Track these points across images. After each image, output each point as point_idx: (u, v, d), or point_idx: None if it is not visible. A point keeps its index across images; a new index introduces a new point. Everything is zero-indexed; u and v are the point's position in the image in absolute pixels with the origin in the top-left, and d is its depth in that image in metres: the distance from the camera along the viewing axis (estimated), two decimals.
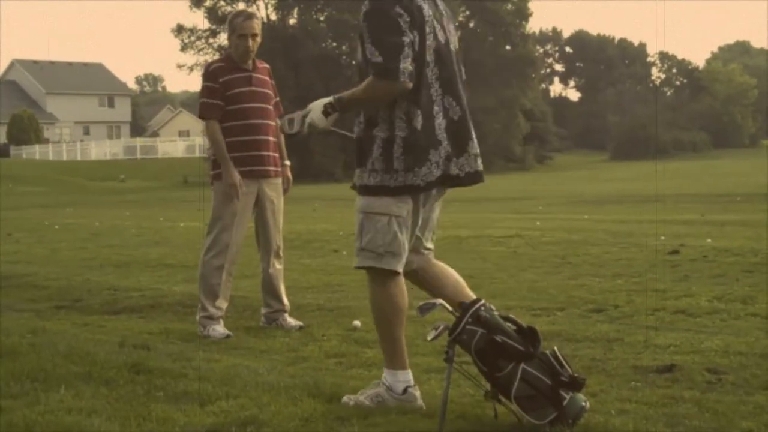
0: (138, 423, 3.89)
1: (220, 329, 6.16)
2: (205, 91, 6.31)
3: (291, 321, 6.41)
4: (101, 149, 72.15)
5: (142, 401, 4.23)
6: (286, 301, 6.51)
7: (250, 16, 6.37)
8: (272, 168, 6.42)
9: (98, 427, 3.82)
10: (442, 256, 10.71)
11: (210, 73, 6.33)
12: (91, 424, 3.85)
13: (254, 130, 6.30)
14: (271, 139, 6.40)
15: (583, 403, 3.76)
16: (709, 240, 11.37)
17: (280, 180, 6.51)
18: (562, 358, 3.82)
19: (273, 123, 6.38)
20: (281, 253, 6.57)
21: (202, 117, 6.35)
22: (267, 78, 6.48)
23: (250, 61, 6.37)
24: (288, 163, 6.61)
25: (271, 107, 6.45)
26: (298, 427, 3.83)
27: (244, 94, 6.29)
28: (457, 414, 3.90)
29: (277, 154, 6.47)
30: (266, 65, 6.57)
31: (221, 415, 4.00)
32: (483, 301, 3.88)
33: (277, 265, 6.51)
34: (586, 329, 5.87)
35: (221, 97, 6.25)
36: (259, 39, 6.35)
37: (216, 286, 6.26)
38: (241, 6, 65.28)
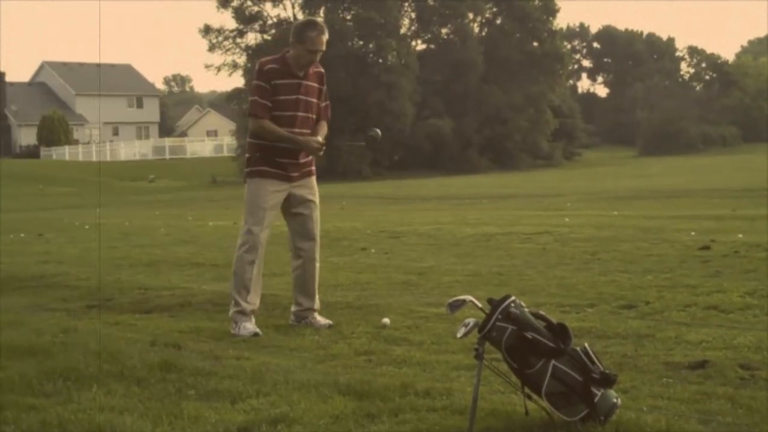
0: (170, 421, 3.92)
1: (250, 326, 6.18)
2: (257, 90, 6.31)
3: (320, 319, 6.42)
4: (130, 150, 72.75)
5: (173, 399, 4.26)
6: (317, 299, 6.53)
7: (323, 31, 6.30)
8: (302, 172, 6.45)
9: (130, 426, 3.85)
10: (472, 253, 10.77)
11: (264, 74, 6.32)
12: (123, 423, 3.88)
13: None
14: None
15: (615, 400, 3.74)
16: (740, 235, 11.26)
17: (312, 179, 6.54)
18: (593, 355, 3.80)
19: (309, 131, 6.40)
20: (318, 250, 6.58)
21: (254, 115, 6.32)
22: (316, 84, 6.44)
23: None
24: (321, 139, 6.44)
25: (312, 116, 6.42)
26: (329, 425, 3.84)
27: (291, 102, 6.30)
28: (487, 411, 3.89)
29: (310, 158, 6.49)
30: (320, 70, 6.50)
31: (252, 413, 4.01)
32: (513, 298, 3.86)
33: (316, 263, 6.55)
34: (616, 325, 5.84)
35: (269, 98, 6.26)
36: None
37: (248, 281, 6.32)
38: (269, 6, 65.44)
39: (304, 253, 6.51)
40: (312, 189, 6.52)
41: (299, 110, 6.32)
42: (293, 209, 6.48)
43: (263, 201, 6.33)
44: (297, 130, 6.31)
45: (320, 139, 6.34)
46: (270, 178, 6.32)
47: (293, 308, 6.54)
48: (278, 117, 6.25)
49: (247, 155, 6.52)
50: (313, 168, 6.57)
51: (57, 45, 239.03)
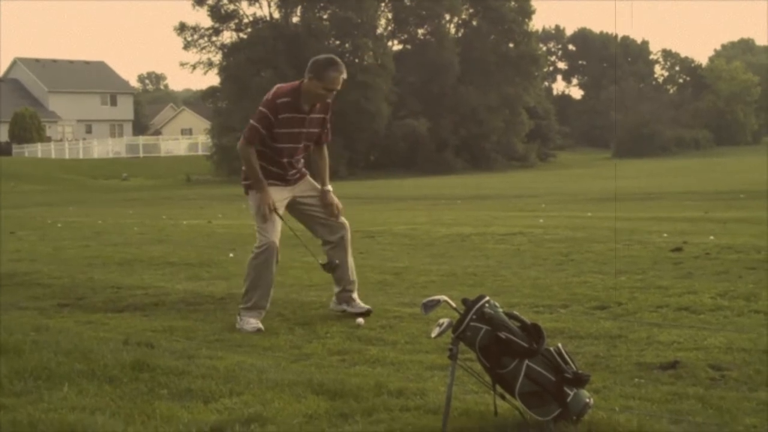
0: (142, 420, 3.89)
1: (253, 322, 6.26)
2: (261, 119, 6.35)
3: (359, 303, 6.63)
4: (103, 147, 72.27)
5: (145, 399, 4.23)
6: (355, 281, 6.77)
7: (343, 71, 6.32)
8: (299, 175, 6.64)
9: (102, 425, 3.82)
10: (446, 253, 10.79)
11: (274, 107, 6.33)
12: (94, 422, 3.85)
13: (285, 165, 6.50)
14: (296, 162, 6.61)
15: (587, 400, 3.76)
16: (712, 237, 11.35)
17: (308, 177, 6.70)
18: (566, 355, 3.82)
19: (302, 151, 6.59)
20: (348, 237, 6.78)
21: (246, 138, 6.39)
22: (321, 115, 6.53)
23: None
24: (329, 188, 6.71)
25: (311, 144, 6.60)
26: (302, 424, 3.83)
27: (294, 135, 6.42)
28: (460, 411, 3.90)
29: (301, 161, 6.69)
30: (327, 100, 6.53)
31: (225, 413, 4.00)
32: (487, 298, 3.88)
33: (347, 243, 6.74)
34: (589, 326, 5.87)
35: (269, 129, 6.33)
36: None
37: (264, 283, 6.39)
38: (244, 5, 65.19)
39: (335, 245, 6.68)
40: (312, 185, 6.69)
41: (300, 142, 6.49)
42: (306, 210, 6.65)
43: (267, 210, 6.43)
44: (289, 159, 6.50)
45: (270, 206, 6.41)
46: (270, 187, 6.44)
47: (335, 289, 6.73)
48: (280, 148, 6.41)
49: (243, 167, 6.58)
50: (305, 170, 6.73)
51: (30, 41, 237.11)
